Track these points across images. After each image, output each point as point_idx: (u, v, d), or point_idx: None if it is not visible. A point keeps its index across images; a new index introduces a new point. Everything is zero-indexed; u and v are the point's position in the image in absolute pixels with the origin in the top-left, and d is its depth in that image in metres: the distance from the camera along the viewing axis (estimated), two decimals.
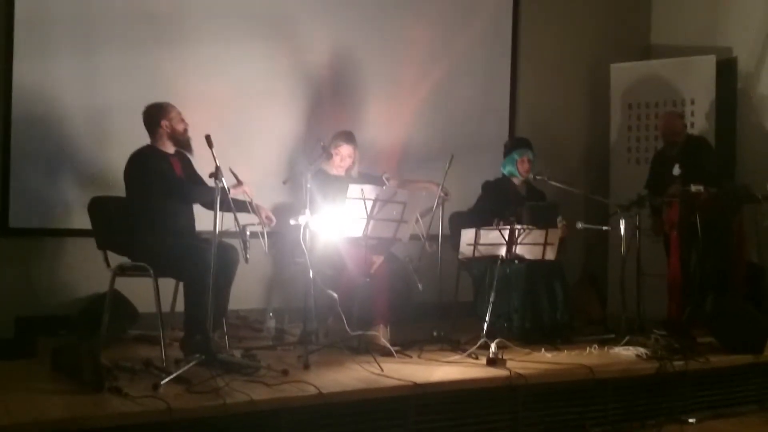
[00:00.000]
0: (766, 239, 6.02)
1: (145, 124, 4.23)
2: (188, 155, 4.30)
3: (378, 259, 4.46)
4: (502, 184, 5.25)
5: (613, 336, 4.75)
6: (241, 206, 4.09)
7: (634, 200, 5.10)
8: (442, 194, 4.68)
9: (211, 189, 3.74)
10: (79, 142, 4.84)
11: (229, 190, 3.79)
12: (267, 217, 4.25)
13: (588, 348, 4.54)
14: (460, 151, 4.93)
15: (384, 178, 4.81)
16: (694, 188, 4.96)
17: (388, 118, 5.84)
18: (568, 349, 4.53)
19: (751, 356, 4.56)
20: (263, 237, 4.03)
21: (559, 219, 4.90)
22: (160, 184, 4.06)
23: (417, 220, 4.53)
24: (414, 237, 4.55)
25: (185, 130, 4.23)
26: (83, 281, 4.75)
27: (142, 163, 4.11)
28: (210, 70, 5.17)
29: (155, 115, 4.20)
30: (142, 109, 4.25)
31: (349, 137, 4.93)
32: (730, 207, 5.21)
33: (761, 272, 5.76)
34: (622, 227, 4.93)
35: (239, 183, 4.10)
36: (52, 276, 4.80)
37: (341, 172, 4.92)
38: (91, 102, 4.87)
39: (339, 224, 4.25)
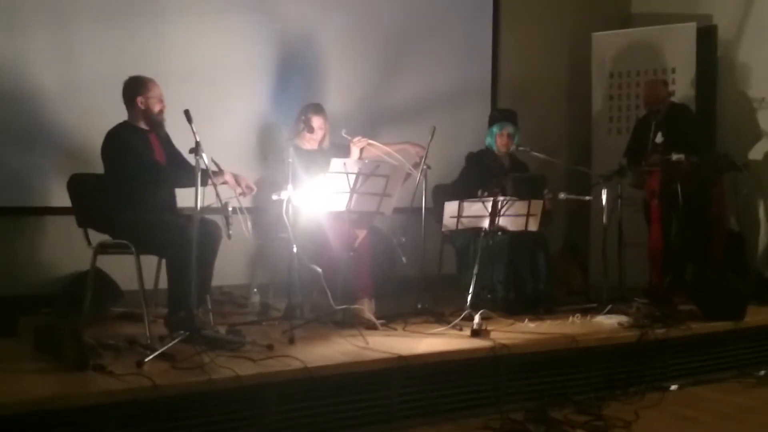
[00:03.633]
0: (746, 207, 6.09)
1: (122, 97, 4.16)
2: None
3: (361, 233, 4.46)
4: (485, 156, 5.23)
5: (595, 305, 4.79)
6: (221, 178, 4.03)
7: (615, 170, 5.11)
8: (425, 167, 4.64)
9: (188, 174, 3.69)
10: (55, 118, 4.77)
11: (210, 171, 3.73)
12: (247, 186, 4.18)
13: (570, 317, 4.59)
14: (441, 122, 4.91)
15: (343, 134, 4.72)
16: (675, 157, 4.98)
17: (366, 89, 5.81)
18: (551, 319, 4.57)
19: (731, 323, 4.63)
20: (245, 221, 3.88)
21: (545, 191, 4.91)
22: (135, 167, 3.99)
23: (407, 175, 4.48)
24: (397, 210, 4.54)
25: (160, 112, 4.14)
26: (64, 259, 4.71)
27: (118, 141, 4.04)
28: (185, 42, 5.10)
29: (132, 91, 4.12)
30: (117, 83, 4.17)
31: (318, 108, 4.89)
32: (710, 176, 5.24)
33: (741, 240, 5.84)
34: (604, 197, 4.95)
35: (220, 171, 3.97)
36: (33, 255, 4.76)
37: (314, 145, 4.88)
38: (65, 77, 4.79)
39: (321, 199, 4.23)
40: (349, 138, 4.72)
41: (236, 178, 4.09)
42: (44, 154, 4.77)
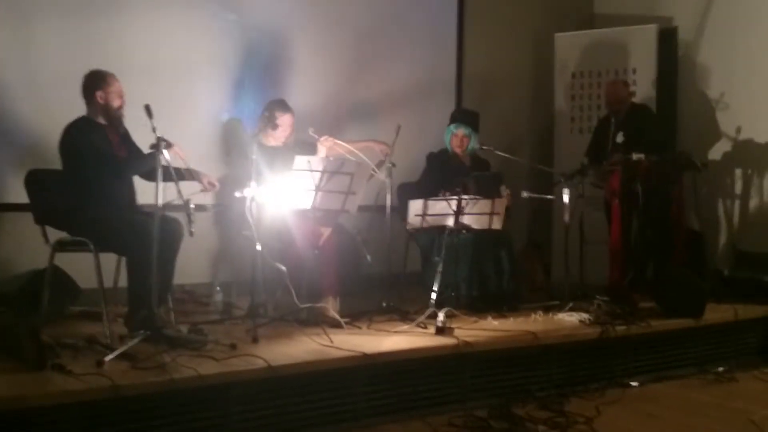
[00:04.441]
0: (706, 206, 6.20)
1: (82, 91, 4.08)
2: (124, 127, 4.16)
3: (326, 231, 4.44)
4: (445, 156, 5.24)
5: (557, 302, 4.83)
6: (182, 175, 3.97)
7: (577, 169, 5.16)
8: (390, 165, 4.63)
9: (146, 156, 3.62)
10: (13, 112, 4.66)
11: (172, 169, 3.65)
12: (209, 183, 4.14)
13: (533, 315, 4.62)
14: (406, 120, 4.91)
15: (310, 132, 4.67)
16: (635, 156, 5.04)
17: (329, 84, 5.79)
18: (514, 316, 4.60)
19: (691, 320, 4.70)
20: (190, 217, 3.61)
21: (503, 188, 4.93)
22: (93, 160, 3.92)
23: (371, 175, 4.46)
24: (362, 208, 4.53)
25: (120, 107, 4.06)
26: (21, 257, 4.61)
27: (75, 135, 3.97)
28: (147, 37, 5.03)
29: (92, 85, 4.05)
30: (77, 78, 4.09)
31: (285, 106, 4.85)
32: (670, 175, 5.31)
33: (701, 239, 5.93)
34: (566, 196, 4.99)
35: (170, 145, 3.72)
36: None
37: (279, 142, 4.84)
38: (24, 71, 4.69)
39: (285, 196, 4.20)
40: (316, 137, 4.69)
41: (198, 174, 4.03)
42: (2, 149, 4.66)
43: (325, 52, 5.78)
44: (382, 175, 4.60)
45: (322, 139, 4.70)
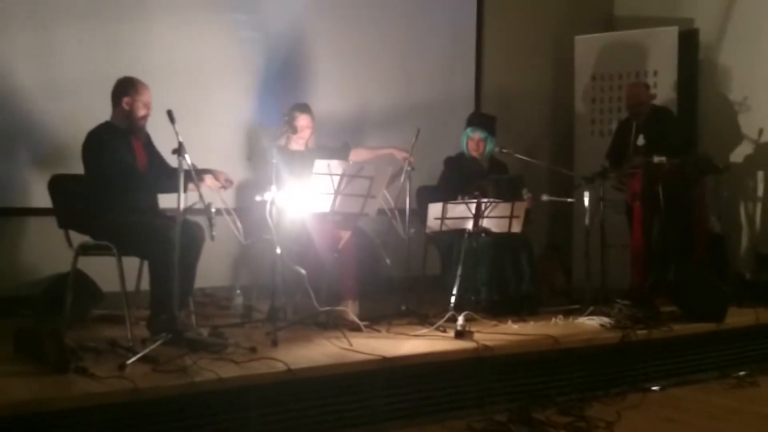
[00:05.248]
0: (727, 209, 6.14)
1: (111, 94, 4.08)
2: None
3: (345, 235, 4.45)
4: (463, 159, 5.23)
5: (577, 306, 4.80)
6: (201, 177, 3.96)
7: (597, 172, 5.13)
8: (408, 168, 4.66)
9: (169, 179, 3.66)
10: (37, 118, 4.73)
11: (193, 171, 3.68)
12: (226, 180, 4.13)
13: (553, 319, 4.60)
14: (425, 124, 4.92)
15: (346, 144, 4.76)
16: (656, 159, 5.01)
17: (349, 91, 5.81)
18: (534, 320, 4.58)
19: (712, 324, 4.65)
20: (234, 222, 3.84)
21: (524, 191, 4.92)
22: (112, 170, 3.92)
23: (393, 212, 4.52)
24: (381, 212, 4.54)
25: (144, 118, 4.07)
26: (45, 261, 4.67)
27: (97, 142, 3.98)
28: (169, 43, 5.09)
29: (122, 90, 4.05)
30: (100, 84, 4.13)
31: (304, 107, 4.87)
32: (691, 178, 5.28)
33: (722, 242, 5.88)
34: (586, 199, 4.97)
35: (200, 178, 3.82)
36: (13, 256, 4.72)
37: (301, 146, 4.86)
38: (47, 77, 4.76)
39: (305, 200, 4.22)
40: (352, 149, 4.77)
41: (214, 174, 4.04)
42: (26, 155, 4.73)
43: (346, 61, 5.80)
44: (401, 178, 4.62)
45: (355, 150, 4.82)
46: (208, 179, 3.95)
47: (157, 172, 4.17)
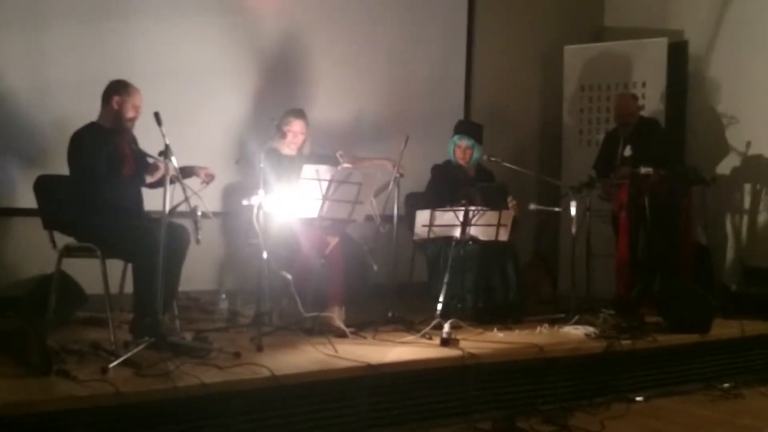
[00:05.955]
0: (714, 221, 6.18)
1: (102, 94, 4.07)
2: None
3: (333, 240, 4.44)
4: (450, 167, 5.23)
5: (563, 315, 4.82)
6: (186, 173, 3.97)
7: (584, 182, 5.15)
8: (397, 175, 4.66)
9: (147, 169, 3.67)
10: (23, 119, 4.69)
11: (179, 174, 3.66)
12: (207, 174, 4.12)
13: (539, 327, 4.60)
14: (414, 131, 4.91)
15: (338, 156, 4.75)
16: (643, 170, 5.03)
17: (340, 96, 5.80)
18: (519, 328, 4.59)
19: (697, 335, 4.67)
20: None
21: (509, 199, 4.93)
22: (98, 174, 3.92)
23: (371, 201, 4.50)
24: (369, 218, 4.53)
25: (132, 119, 4.05)
26: (29, 262, 4.62)
27: (78, 146, 3.97)
28: (159, 46, 5.05)
29: (112, 90, 4.04)
30: (88, 85, 4.12)
31: (299, 113, 4.86)
32: (678, 189, 5.30)
33: (708, 253, 5.91)
34: (573, 209, 4.98)
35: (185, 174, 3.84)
36: None
37: (293, 151, 4.85)
38: (36, 78, 4.72)
39: (293, 205, 4.21)
40: (341, 161, 4.74)
41: (194, 169, 4.01)
42: (11, 155, 4.69)
43: (337, 68, 5.79)
44: (390, 186, 4.62)
45: (346, 161, 4.78)
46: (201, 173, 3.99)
47: (141, 171, 4.14)
